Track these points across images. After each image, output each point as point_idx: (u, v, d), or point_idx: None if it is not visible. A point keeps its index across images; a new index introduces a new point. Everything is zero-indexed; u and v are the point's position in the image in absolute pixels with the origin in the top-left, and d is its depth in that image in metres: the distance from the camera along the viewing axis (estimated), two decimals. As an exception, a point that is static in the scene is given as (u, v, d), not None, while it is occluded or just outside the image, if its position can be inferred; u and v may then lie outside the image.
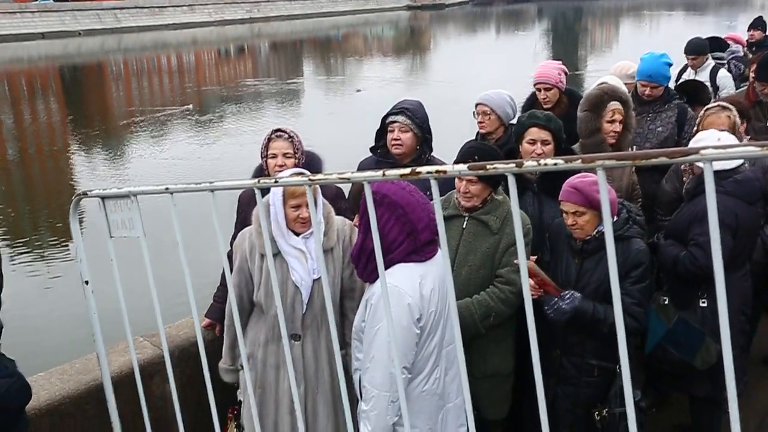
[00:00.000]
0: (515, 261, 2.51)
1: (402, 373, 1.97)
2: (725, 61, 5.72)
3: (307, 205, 2.39)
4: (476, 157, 2.56)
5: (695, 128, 3.30)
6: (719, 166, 2.72)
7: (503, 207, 2.62)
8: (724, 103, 3.22)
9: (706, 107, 3.26)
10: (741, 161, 2.77)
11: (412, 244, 2.05)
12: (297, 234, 2.48)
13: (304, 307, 2.49)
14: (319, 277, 2.43)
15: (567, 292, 2.51)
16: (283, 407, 2.54)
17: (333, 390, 2.54)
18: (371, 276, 2.09)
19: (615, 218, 2.57)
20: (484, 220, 2.61)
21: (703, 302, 2.75)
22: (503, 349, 2.67)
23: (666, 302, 2.82)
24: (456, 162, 2.65)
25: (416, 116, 3.09)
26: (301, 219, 2.43)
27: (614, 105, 3.21)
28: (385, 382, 1.99)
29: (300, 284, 2.46)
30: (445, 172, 1.43)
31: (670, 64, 3.95)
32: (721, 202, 2.67)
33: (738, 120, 3.16)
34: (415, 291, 2.02)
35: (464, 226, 2.63)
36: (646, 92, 3.86)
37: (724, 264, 2.74)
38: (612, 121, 3.21)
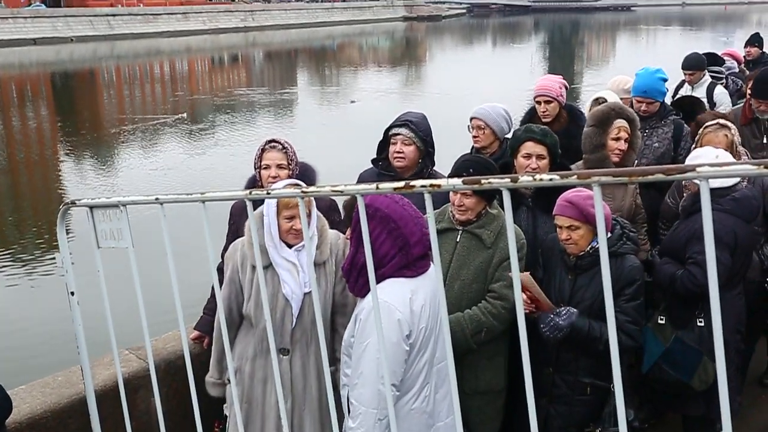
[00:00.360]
0: (509, 274, 2.50)
1: (390, 390, 1.93)
2: (723, 77, 5.73)
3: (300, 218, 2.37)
4: (471, 170, 2.54)
5: (693, 145, 3.30)
6: (718, 183, 2.71)
7: (498, 221, 2.61)
8: (723, 121, 3.20)
9: (705, 124, 3.26)
10: (738, 179, 2.77)
11: (403, 258, 2.03)
12: (290, 246, 2.45)
13: (294, 321, 2.45)
14: (311, 291, 2.40)
15: (563, 308, 2.49)
16: (269, 422, 2.49)
17: (321, 407, 2.50)
18: (362, 290, 2.06)
19: (609, 234, 2.56)
20: (478, 234, 2.59)
21: (701, 321, 2.73)
22: (495, 365, 2.64)
23: (663, 321, 2.79)
24: (451, 175, 2.64)
25: (420, 129, 3.08)
26: (294, 230, 2.41)
27: (621, 123, 3.19)
28: (373, 399, 1.96)
29: (290, 297, 2.43)
30: (439, 186, 1.42)
31: (665, 80, 3.95)
32: (720, 221, 2.66)
33: (737, 138, 3.16)
34: (405, 306, 1.99)
35: (458, 240, 2.62)
36: (642, 108, 3.85)
37: (721, 283, 2.77)
38: (617, 139, 3.19)
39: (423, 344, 2.06)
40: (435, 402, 2.12)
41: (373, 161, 3.26)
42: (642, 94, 3.85)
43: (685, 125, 3.91)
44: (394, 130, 3.10)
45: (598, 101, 4.11)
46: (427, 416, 2.11)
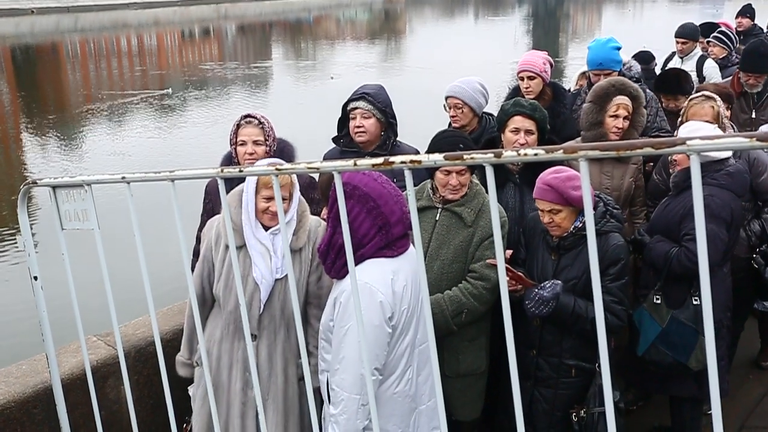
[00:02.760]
0: (489, 254, 2.46)
1: (373, 374, 1.88)
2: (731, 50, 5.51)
3: (282, 200, 2.28)
4: (461, 147, 2.45)
5: (679, 119, 3.21)
6: (715, 155, 2.67)
7: (478, 198, 2.54)
8: (709, 93, 3.12)
9: (691, 97, 3.18)
10: (730, 153, 2.71)
11: (383, 238, 1.96)
12: (266, 228, 2.36)
13: (262, 306, 2.37)
14: (282, 278, 2.34)
15: (547, 282, 2.44)
16: (234, 409, 2.43)
17: (285, 398, 2.43)
18: (340, 272, 2.00)
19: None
20: (458, 212, 2.52)
21: (696, 300, 2.67)
22: (476, 347, 2.60)
23: (659, 301, 2.72)
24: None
25: (377, 101, 2.98)
26: (270, 212, 2.32)
27: (620, 99, 3.07)
28: (356, 384, 1.90)
29: (260, 282, 2.34)
30: (419, 162, 1.37)
31: (619, 48, 3.83)
32: (718, 196, 2.63)
33: (723, 110, 3.09)
34: (387, 288, 1.93)
35: (437, 218, 2.55)
36: (600, 81, 3.72)
37: (719, 259, 2.73)
38: (615, 116, 3.06)
39: (405, 326, 2.00)
40: (417, 385, 2.08)
41: (334, 139, 3.16)
42: (598, 66, 3.71)
43: (648, 90, 3.79)
44: (352, 104, 3.01)
45: (585, 75, 4.03)
46: (410, 399, 2.07)
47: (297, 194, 2.39)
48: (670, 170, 3.03)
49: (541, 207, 2.46)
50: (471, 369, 2.59)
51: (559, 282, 2.43)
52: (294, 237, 2.37)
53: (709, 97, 3.08)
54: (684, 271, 2.66)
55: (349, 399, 1.91)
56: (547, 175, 2.42)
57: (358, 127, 2.98)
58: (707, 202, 2.60)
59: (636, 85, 3.29)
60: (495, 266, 2.45)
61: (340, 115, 3.11)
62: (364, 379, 1.85)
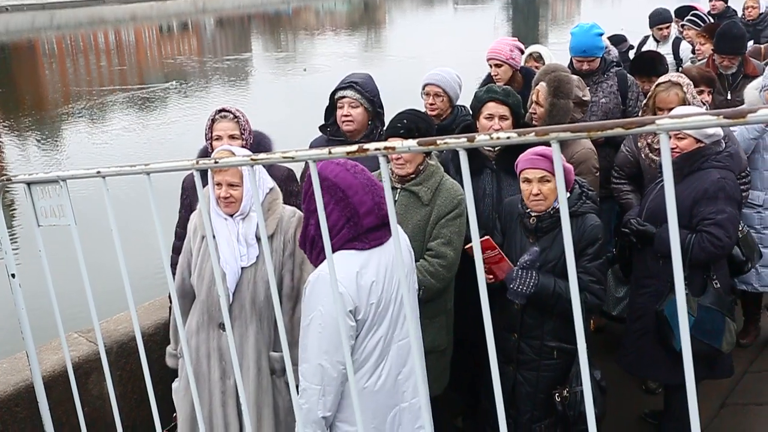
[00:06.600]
0: (446, 231, 2.48)
1: (335, 366, 1.87)
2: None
3: (229, 185, 2.29)
4: (405, 121, 2.53)
5: (645, 102, 3.22)
6: (715, 136, 2.70)
7: (436, 177, 2.56)
8: (675, 78, 3.11)
9: (657, 82, 3.17)
10: (721, 134, 2.74)
11: (352, 230, 1.91)
12: (232, 216, 2.36)
13: (231, 295, 2.37)
14: (250, 266, 2.34)
15: (522, 257, 2.44)
16: (215, 399, 2.44)
17: (258, 390, 2.42)
18: (316, 262, 1.97)
19: (568, 194, 2.52)
20: (416, 192, 2.55)
21: (716, 283, 2.66)
22: (436, 325, 2.58)
23: (686, 291, 2.60)
24: (387, 128, 2.61)
25: (366, 90, 2.98)
26: (223, 198, 2.31)
27: (538, 86, 3.07)
28: (316, 374, 1.89)
29: (225, 268, 2.33)
30: (393, 148, 1.37)
31: (602, 34, 3.85)
32: (728, 178, 2.66)
33: (690, 96, 3.08)
34: (349, 280, 1.87)
35: (396, 198, 2.55)
36: (584, 67, 3.74)
37: (735, 241, 2.77)
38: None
39: (376, 321, 1.95)
40: (397, 382, 2.02)
41: (321, 128, 3.15)
42: (582, 54, 3.71)
43: (629, 75, 3.83)
44: (340, 93, 2.99)
45: (532, 56, 4.06)
46: (385, 396, 2.01)
47: (258, 182, 2.35)
48: (639, 143, 3.00)
49: (530, 176, 2.44)
50: (432, 347, 2.55)
51: (536, 249, 2.43)
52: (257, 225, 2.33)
53: (675, 84, 3.06)
54: (708, 257, 2.60)
55: (310, 388, 1.90)
56: (536, 149, 2.43)
57: (346, 116, 2.97)
58: (722, 185, 2.62)
59: (558, 68, 3.28)
60: (451, 244, 2.52)
61: (327, 104, 3.09)
62: (326, 370, 1.86)
